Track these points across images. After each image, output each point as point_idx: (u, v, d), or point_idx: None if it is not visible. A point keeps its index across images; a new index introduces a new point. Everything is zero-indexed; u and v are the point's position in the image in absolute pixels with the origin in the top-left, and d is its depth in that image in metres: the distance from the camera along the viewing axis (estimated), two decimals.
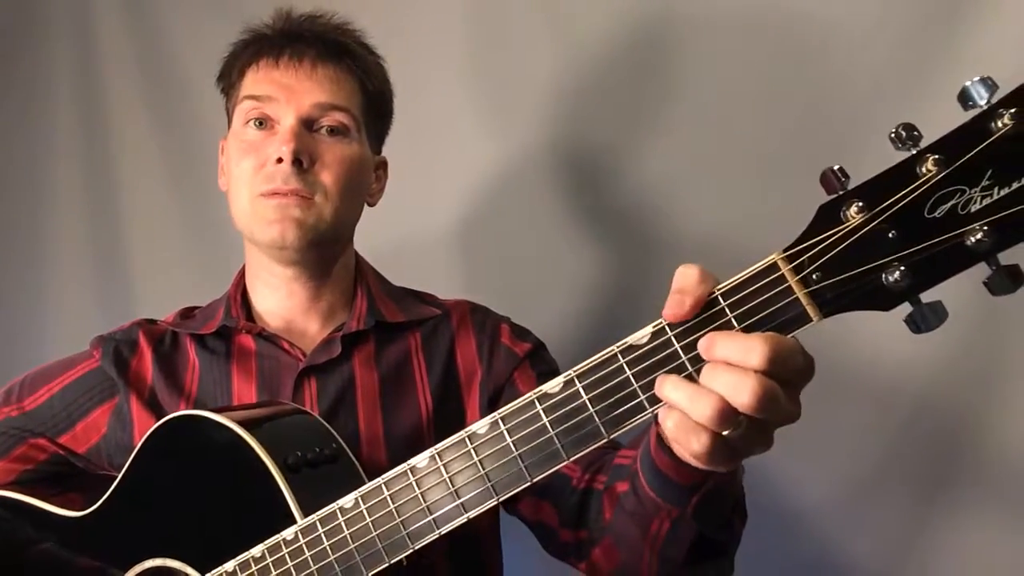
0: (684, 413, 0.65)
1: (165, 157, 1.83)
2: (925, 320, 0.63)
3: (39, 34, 1.93)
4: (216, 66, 1.16)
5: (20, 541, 0.91)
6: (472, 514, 0.74)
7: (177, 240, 1.81)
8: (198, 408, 1.06)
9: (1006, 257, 0.61)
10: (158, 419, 1.05)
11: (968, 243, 0.60)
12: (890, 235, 0.62)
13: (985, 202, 0.60)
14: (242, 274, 1.17)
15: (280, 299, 1.12)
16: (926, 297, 0.63)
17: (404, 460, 1.03)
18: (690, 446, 0.66)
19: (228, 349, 1.10)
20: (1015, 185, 0.59)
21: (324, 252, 1.09)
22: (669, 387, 0.66)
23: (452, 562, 1.03)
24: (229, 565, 0.84)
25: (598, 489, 0.95)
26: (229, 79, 1.14)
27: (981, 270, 0.62)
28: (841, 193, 0.64)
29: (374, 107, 1.13)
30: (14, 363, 1.52)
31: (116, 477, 1.06)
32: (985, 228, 0.60)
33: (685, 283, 0.66)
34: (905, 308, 0.64)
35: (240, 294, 1.15)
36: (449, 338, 1.12)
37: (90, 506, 0.98)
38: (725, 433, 0.64)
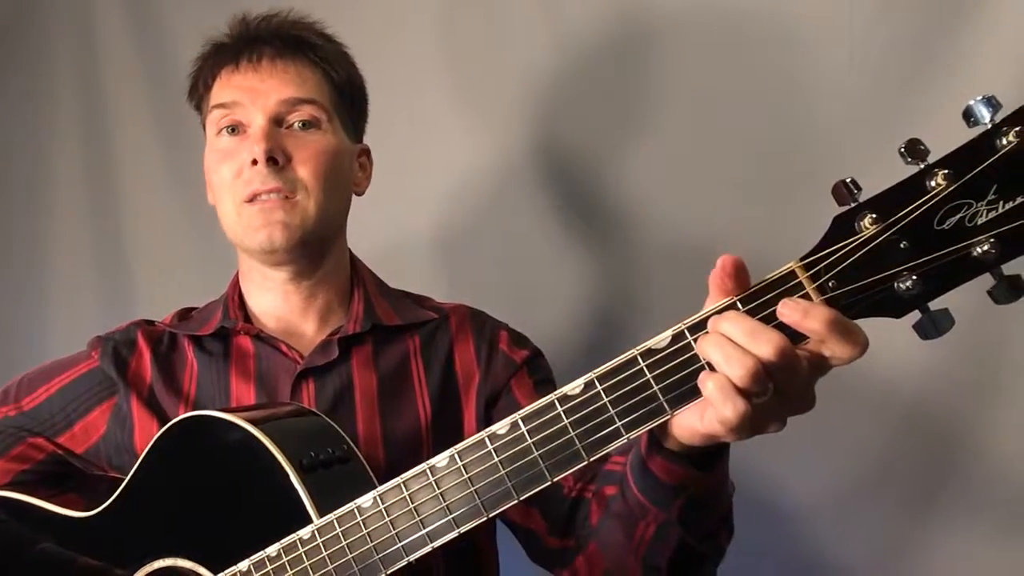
0: (726, 376, 0.67)
1: (166, 157, 1.81)
2: (934, 326, 0.66)
3: (39, 34, 1.91)
4: None
5: (23, 542, 0.90)
6: (492, 514, 0.76)
7: (179, 240, 1.79)
8: (197, 409, 1.07)
9: (1009, 268, 0.65)
10: (158, 419, 1.06)
11: (975, 254, 0.64)
12: (902, 245, 0.65)
13: (991, 215, 0.64)
14: (238, 276, 1.17)
15: (276, 301, 1.12)
16: (934, 305, 0.67)
17: (403, 462, 1.04)
18: (724, 412, 0.67)
19: (226, 350, 1.10)
20: (1019, 199, 0.63)
21: (313, 248, 1.09)
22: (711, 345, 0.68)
23: (449, 563, 1.04)
24: (243, 565, 0.84)
25: (587, 497, 0.97)
26: (198, 93, 1.14)
27: (984, 279, 0.66)
28: (855, 204, 0.67)
29: (344, 95, 1.13)
30: (14, 363, 1.49)
31: (116, 478, 1.06)
32: (992, 240, 0.63)
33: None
34: (914, 315, 0.67)
35: (237, 296, 1.15)
36: (448, 342, 1.13)
37: (90, 507, 0.97)
38: (755, 400, 0.67)
